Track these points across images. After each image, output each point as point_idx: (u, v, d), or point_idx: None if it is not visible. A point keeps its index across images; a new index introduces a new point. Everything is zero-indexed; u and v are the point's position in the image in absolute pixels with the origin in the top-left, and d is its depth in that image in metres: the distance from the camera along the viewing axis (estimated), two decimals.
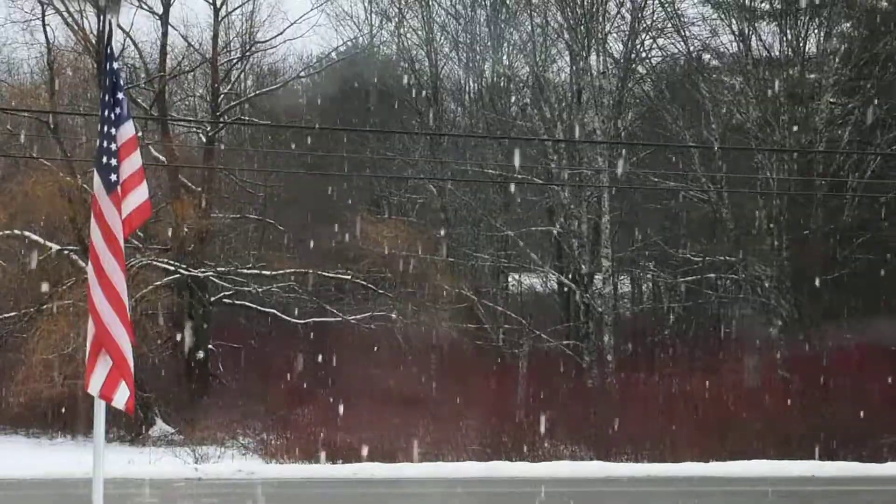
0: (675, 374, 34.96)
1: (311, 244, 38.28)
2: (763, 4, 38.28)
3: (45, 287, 35.06)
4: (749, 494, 21.84)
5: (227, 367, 38.46)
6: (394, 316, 37.12)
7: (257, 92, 43.46)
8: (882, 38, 35.94)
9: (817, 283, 34.79)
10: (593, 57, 39.11)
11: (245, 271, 38.12)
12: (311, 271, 37.74)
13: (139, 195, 10.03)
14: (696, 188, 37.74)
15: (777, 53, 37.60)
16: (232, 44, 41.22)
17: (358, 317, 37.27)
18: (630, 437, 31.06)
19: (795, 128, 36.03)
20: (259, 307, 38.33)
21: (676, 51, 40.40)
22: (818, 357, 33.35)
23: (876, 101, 35.51)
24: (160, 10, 38.64)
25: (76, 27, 37.18)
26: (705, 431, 30.16)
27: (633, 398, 33.38)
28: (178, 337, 37.46)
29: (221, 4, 39.73)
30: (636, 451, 30.44)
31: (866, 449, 29.46)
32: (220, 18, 39.61)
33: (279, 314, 37.86)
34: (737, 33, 37.56)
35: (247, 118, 41.36)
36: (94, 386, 9.61)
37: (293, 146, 38.75)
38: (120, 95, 9.96)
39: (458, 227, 42.01)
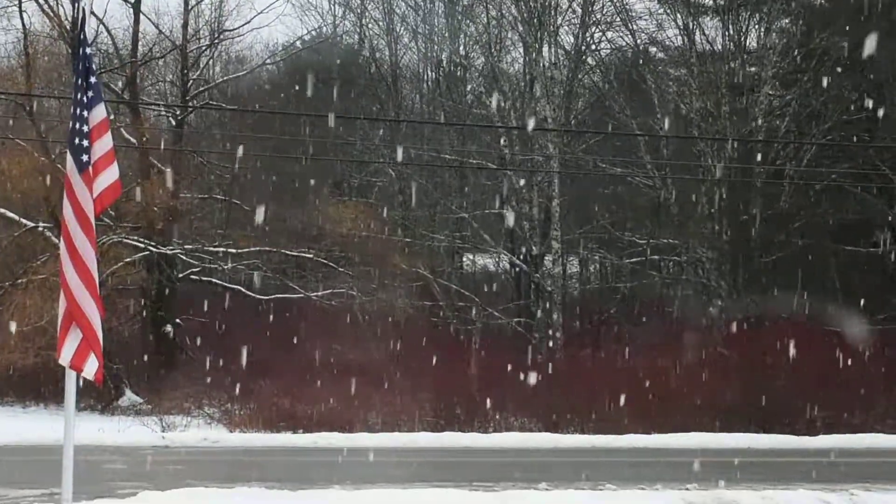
0: (620, 350, 35.25)
1: (276, 224, 38.34)
2: (707, 0, 39.14)
3: (19, 262, 35.55)
4: (688, 465, 21.76)
5: (194, 340, 37.98)
6: (353, 293, 37.40)
7: (225, 78, 43.76)
8: (818, 33, 36.67)
9: (755, 265, 35.78)
10: (545, 49, 39.80)
11: (212, 249, 38.20)
12: (275, 250, 38.08)
13: (110, 175, 10.33)
14: (641, 174, 38.29)
15: (719, 47, 38.32)
16: (201, 32, 41.45)
17: (319, 293, 37.56)
18: (576, 410, 31.49)
19: (736, 118, 36.88)
20: (225, 283, 38.34)
21: (624, 44, 41.42)
22: (755, 335, 34.05)
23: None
24: None
25: (51, 14, 37.34)
26: (648, 405, 30.54)
27: (579, 373, 33.64)
28: (147, 311, 37.99)
29: None
30: (582, 423, 30.85)
31: (800, 423, 30.11)
32: (189, 7, 39.77)
33: (244, 290, 37.91)
34: (682, 27, 38.47)
35: (214, 103, 41.46)
36: (65, 357, 10.00)
37: (259, 130, 39.39)
38: (92, 80, 10.31)
39: (415, 209, 42.40)
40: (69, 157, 10.16)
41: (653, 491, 18.67)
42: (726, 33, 38.06)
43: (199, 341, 37.23)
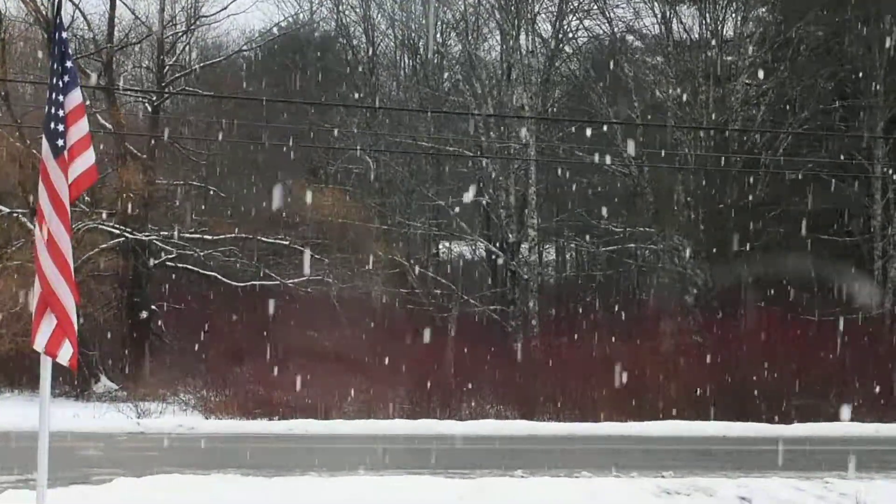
0: (597, 338, 34.77)
1: (252, 210, 38.29)
2: None
3: None
4: (663, 452, 22.36)
5: (169, 327, 38.36)
6: (330, 280, 37.42)
7: (201, 64, 43.19)
8: (795, 22, 36.74)
9: (731, 253, 35.58)
10: (523, 36, 39.86)
11: (187, 235, 38.07)
12: (250, 236, 37.98)
13: (86, 160, 10.18)
14: (618, 162, 38.22)
15: (696, 36, 38.39)
16: (177, 17, 41.03)
17: (295, 280, 37.42)
18: (552, 398, 31.57)
19: (713, 107, 36.86)
20: (200, 270, 38.27)
21: (602, 32, 41.54)
22: (731, 323, 34.40)
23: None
24: None
25: None
26: (624, 393, 30.51)
27: (555, 361, 33.63)
28: (123, 298, 37.83)
29: None
30: (558, 411, 30.93)
31: (775, 411, 30.04)
32: None
33: (220, 277, 37.80)
34: (659, 16, 38.52)
35: (191, 89, 40.95)
36: (40, 343, 9.87)
37: (235, 117, 39.33)
38: (68, 64, 10.14)
39: (391, 197, 42.61)
40: (44, 142, 10.04)
41: (629, 478, 18.76)
42: (703, 22, 38.17)
43: (174, 328, 37.20)
